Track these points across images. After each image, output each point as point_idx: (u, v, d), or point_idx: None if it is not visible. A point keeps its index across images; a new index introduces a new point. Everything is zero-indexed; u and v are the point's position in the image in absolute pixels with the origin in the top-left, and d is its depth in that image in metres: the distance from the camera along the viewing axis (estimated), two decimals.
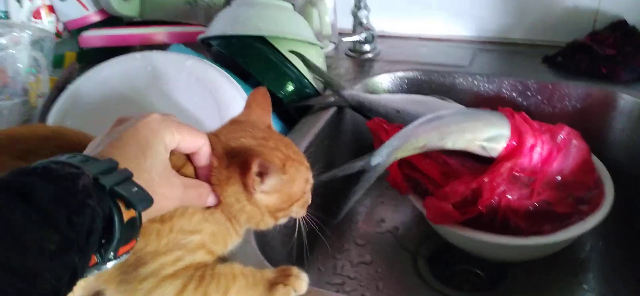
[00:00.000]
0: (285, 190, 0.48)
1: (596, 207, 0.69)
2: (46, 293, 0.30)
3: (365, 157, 0.72)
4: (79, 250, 0.32)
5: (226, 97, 0.73)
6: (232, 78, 0.77)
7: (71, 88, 0.73)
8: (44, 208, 0.31)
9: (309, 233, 0.82)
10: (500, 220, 0.69)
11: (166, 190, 0.41)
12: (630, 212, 0.78)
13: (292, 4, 0.94)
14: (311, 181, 0.53)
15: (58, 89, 0.77)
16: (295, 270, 0.50)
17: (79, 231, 0.32)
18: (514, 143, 0.70)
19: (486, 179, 0.68)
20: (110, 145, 0.40)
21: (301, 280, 0.49)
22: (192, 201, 0.44)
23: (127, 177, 0.37)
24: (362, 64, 1.05)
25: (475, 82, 0.93)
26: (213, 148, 0.47)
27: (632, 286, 0.71)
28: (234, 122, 0.52)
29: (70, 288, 0.32)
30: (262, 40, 0.87)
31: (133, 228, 0.37)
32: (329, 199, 0.86)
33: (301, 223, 0.55)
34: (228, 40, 0.86)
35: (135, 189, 0.37)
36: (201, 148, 0.46)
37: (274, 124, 0.83)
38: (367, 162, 0.71)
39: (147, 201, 0.37)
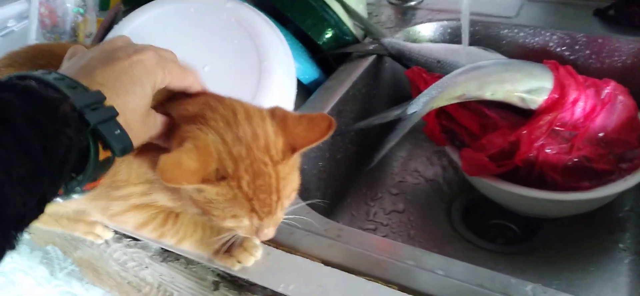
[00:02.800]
0: (200, 196, 0.42)
1: (638, 166, 0.68)
2: (10, 218, 0.29)
3: (402, 105, 0.72)
4: (49, 179, 0.31)
5: (265, 42, 0.73)
6: (272, 22, 0.77)
7: (116, 29, 0.75)
8: (18, 132, 0.29)
9: (343, 179, 0.84)
10: (536, 174, 0.68)
11: (143, 131, 0.40)
12: None
13: None
14: (256, 224, 0.43)
15: (104, 29, 0.79)
16: (251, 243, 0.49)
17: (51, 159, 0.31)
18: (556, 96, 0.68)
19: (525, 132, 0.67)
20: (102, 71, 0.38)
21: (248, 255, 0.49)
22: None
23: (112, 116, 0.36)
24: (404, 11, 1.03)
25: (521, 34, 0.90)
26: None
27: None
28: (258, 114, 0.45)
29: (36, 215, 0.32)
30: None
31: (105, 168, 0.36)
32: (365, 146, 0.87)
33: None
34: None
35: (118, 131, 0.36)
36: (191, 86, 0.45)
37: (312, 72, 0.84)
38: (404, 110, 0.71)
39: (127, 147, 0.36)
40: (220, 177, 0.40)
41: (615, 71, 0.85)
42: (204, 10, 0.76)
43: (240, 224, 0.43)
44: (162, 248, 0.57)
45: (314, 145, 0.44)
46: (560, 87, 0.69)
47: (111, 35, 0.75)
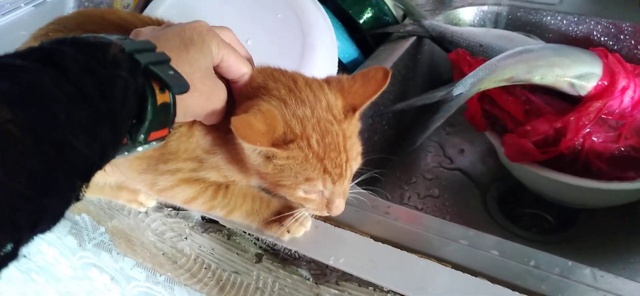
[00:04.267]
0: (270, 167, 0.42)
1: None
2: (76, 167, 0.29)
3: (446, 87, 0.71)
4: (111, 123, 0.31)
5: (309, 17, 0.72)
6: None
7: (149, 7, 0.75)
8: (74, 78, 0.29)
9: (379, 162, 0.83)
10: (581, 162, 0.67)
11: (206, 88, 0.40)
12: None
13: None
14: (329, 189, 0.43)
15: (143, 4, 0.79)
16: (300, 213, 0.48)
17: (111, 102, 0.30)
18: (605, 83, 0.67)
19: (572, 119, 0.66)
20: (152, 37, 0.39)
21: (299, 225, 0.49)
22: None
23: (165, 60, 0.35)
24: None
25: (565, 22, 0.88)
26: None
27: None
28: (316, 82, 0.46)
29: (100, 165, 0.31)
30: None
31: (166, 113, 0.35)
32: (401, 129, 0.86)
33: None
34: None
35: (172, 72, 0.35)
36: (242, 77, 0.44)
37: (351, 51, 0.83)
38: (449, 92, 0.70)
39: (183, 85, 0.36)
40: (289, 140, 0.40)
41: None
42: None
43: (315, 189, 0.42)
44: (203, 218, 0.57)
45: (374, 98, 0.44)
46: (610, 74, 0.67)
47: (152, 6, 0.75)
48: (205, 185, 0.49)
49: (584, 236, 0.72)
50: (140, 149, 0.35)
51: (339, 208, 0.44)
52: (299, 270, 0.50)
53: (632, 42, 0.84)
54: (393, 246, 0.48)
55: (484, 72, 0.67)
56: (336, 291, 0.47)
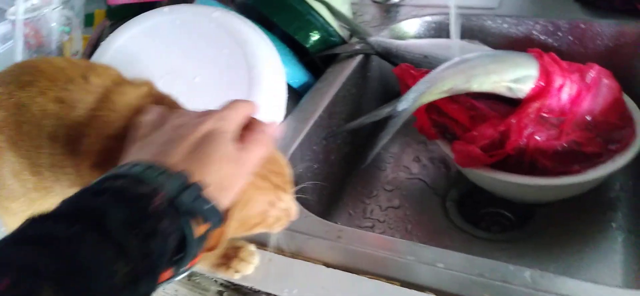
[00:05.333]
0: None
1: (626, 146, 0.69)
2: None
3: (392, 103, 0.73)
4: (149, 276, 0.32)
5: (253, 49, 0.73)
6: (259, 29, 0.77)
7: (103, 45, 0.75)
8: (115, 237, 0.30)
9: (339, 180, 0.84)
10: (527, 162, 0.70)
11: (238, 173, 0.40)
12: None
13: None
14: (281, 202, 0.46)
15: (91, 46, 0.80)
16: (246, 251, 0.49)
17: (149, 256, 0.32)
18: (542, 84, 0.69)
19: (514, 121, 0.68)
20: (176, 151, 0.38)
21: (245, 264, 0.50)
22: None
23: (200, 192, 0.36)
24: (388, 9, 1.04)
25: (505, 25, 0.92)
26: None
27: None
28: None
29: None
30: None
31: (201, 243, 0.36)
32: (357, 146, 0.88)
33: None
34: None
35: (208, 206, 0.36)
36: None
37: (301, 76, 0.85)
38: (394, 108, 0.72)
39: (218, 217, 0.37)
40: None
41: (598, 55, 0.86)
42: (191, 21, 0.77)
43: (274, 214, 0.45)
44: None
45: None
46: (546, 74, 0.70)
47: (99, 53, 0.75)
48: None
49: (544, 230, 0.75)
50: (177, 278, 0.36)
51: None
52: None
53: (570, 38, 0.88)
54: (345, 271, 0.49)
55: (424, 86, 0.70)
56: None
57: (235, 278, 0.50)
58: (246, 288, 0.52)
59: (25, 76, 0.49)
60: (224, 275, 0.51)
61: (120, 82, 0.48)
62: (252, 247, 0.49)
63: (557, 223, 0.75)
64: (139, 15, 0.78)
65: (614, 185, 0.78)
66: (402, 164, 0.90)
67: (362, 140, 0.89)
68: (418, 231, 0.77)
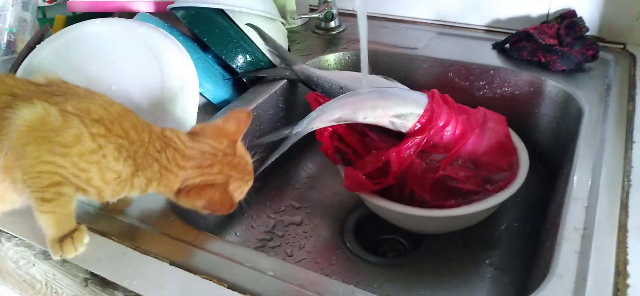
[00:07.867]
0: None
1: (502, 188, 0.74)
2: None
3: (290, 126, 0.79)
4: None
5: (170, 64, 0.79)
6: (182, 47, 0.84)
7: (34, 51, 0.82)
8: None
9: (248, 191, 0.89)
10: (408, 192, 0.75)
11: None
12: (548, 195, 0.81)
13: None
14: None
15: (28, 48, 0.86)
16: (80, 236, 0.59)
17: None
18: (423, 121, 0.74)
19: (393, 153, 0.74)
20: None
21: (72, 247, 0.58)
22: None
23: None
24: (328, 40, 1.10)
25: (425, 65, 0.97)
26: None
27: (528, 261, 0.75)
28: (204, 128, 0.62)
29: None
30: (222, 13, 0.94)
31: None
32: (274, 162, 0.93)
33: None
34: (189, 12, 0.93)
35: None
36: None
37: (223, 93, 0.91)
38: (292, 130, 0.78)
39: None
40: None
41: (506, 100, 0.92)
42: (118, 33, 0.83)
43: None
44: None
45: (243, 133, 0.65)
46: (430, 113, 0.75)
47: (30, 57, 0.81)
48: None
49: (427, 259, 0.79)
50: None
51: None
52: (115, 292, 0.56)
53: (481, 82, 0.93)
54: (187, 271, 0.55)
55: (317, 113, 0.75)
56: None
57: (56, 258, 0.58)
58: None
59: None
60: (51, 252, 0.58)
61: None
62: (86, 238, 0.58)
63: (440, 254, 0.79)
64: (74, 25, 0.85)
65: (500, 225, 0.82)
66: (315, 185, 0.95)
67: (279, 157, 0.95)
68: (311, 248, 0.82)
